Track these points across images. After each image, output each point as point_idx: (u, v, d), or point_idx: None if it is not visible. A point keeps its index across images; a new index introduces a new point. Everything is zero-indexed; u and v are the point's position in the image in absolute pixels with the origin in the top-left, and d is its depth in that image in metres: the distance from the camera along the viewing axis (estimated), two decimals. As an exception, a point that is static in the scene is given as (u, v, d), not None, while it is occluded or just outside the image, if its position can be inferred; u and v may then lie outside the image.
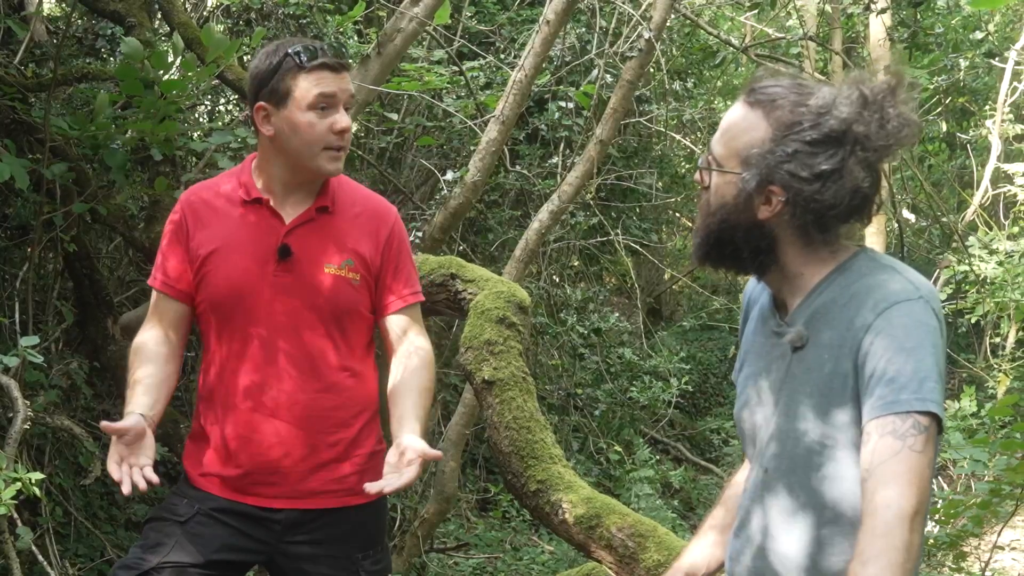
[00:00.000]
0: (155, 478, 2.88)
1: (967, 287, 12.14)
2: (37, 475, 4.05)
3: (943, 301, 12.94)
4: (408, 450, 2.84)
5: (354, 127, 7.66)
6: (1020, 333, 12.73)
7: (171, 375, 3.14)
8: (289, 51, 3.01)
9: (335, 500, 3.11)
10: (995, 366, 12.35)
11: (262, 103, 3.04)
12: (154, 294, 3.22)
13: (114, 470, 2.84)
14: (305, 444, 3.06)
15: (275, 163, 3.10)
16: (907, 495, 1.98)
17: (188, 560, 2.99)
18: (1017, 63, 13.40)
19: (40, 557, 4.54)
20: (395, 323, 3.17)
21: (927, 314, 2.09)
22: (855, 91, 2.14)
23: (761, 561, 2.26)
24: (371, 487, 2.77)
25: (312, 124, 3.01)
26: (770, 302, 2.33)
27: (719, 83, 14.34)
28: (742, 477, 2.57)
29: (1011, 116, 14.07)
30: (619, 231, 10.08)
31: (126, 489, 2.82)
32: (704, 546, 2.57)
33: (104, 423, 2.86)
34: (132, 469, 2.85)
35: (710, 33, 10.00)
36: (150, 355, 3.12)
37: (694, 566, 2.55)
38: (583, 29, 9.50)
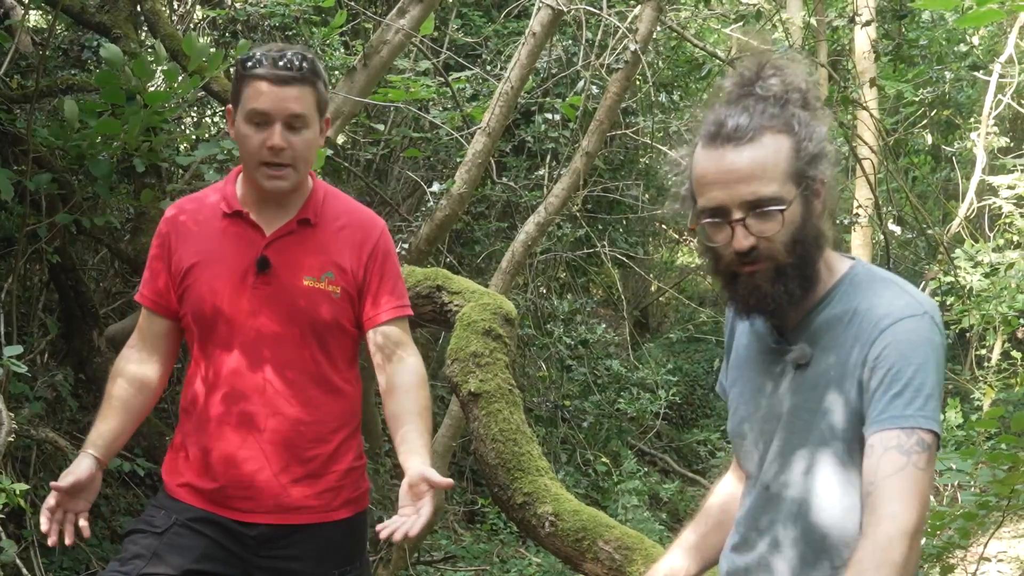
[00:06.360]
0: (87, 532, 2.97)
1: (953, 299, 12.16)
2: (21, 486, 4.03)
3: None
4: (420, 483, 2.82)
5: (340, 139, 7.69)
6: (1006, 345, 12.75)
7: (147, 399, 3.18)
8: (244, 56, 2.97)
9: (310, 516, 3.08)
10: (980, 378, 12.37)
11: (229, 106, 3.04)
12: (142, 309, 3.22)
13: (44, 519, 2.91)
14: (281, 459, 3.04)
15: (246, 173, 3.09)
16: (910, 511, 2.00)
17: (165, 571, 2.97)
18: (1001, 76, 13.45)
19: (25, 570, 4.50)
20: (380, 337, 3.11)
21: (932, 330, 2.11)
22: (758, 66, 2.21)
23: None
24: (386, 531, 2.74)
25: (248, 136, 2.95)
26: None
27: (705, 96, 14.35)
28: (725, 490, 2.56)
29: (996, 129, 14.11)
30: (605, 243, 10.08)
31: (52, 540, 2.91)
32: (683, 554, 2.56)
33: (53, 483, 2.92)
34: (67, 516, 2.94)
35: (696, 45, 10.03)
36: (127, 376, 3.15)
37: (673, 569, 2.54)
38: (569, 41, 9.51)
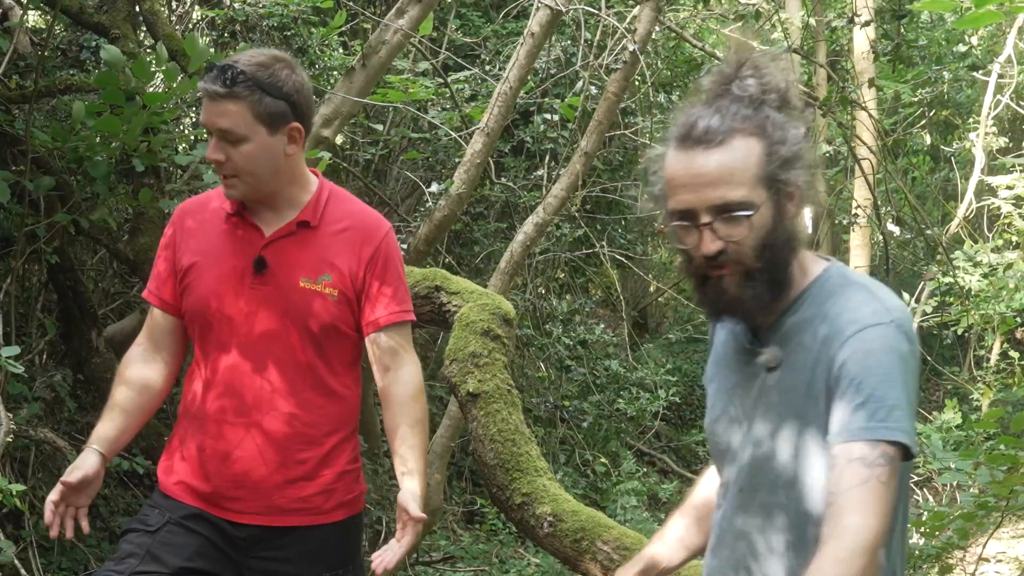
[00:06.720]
0: (86, 528, 3.03)
1: (951, 300, 12.17)
2: (19, 487, 4.02)
3: (928, 314, 13.01)
4: (401, 513, 2.91)
5: (339, 139, 7.70)
6: (1004, 345, 12.76)
7: (151, 398, 3.20)
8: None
9: (300, 519, 3.08)
10: (979, 378, 12.38)
11: None
12: (150, 306, 3.24)
13: (48, 511, 2.97)
14: (274, 460, 3.04)
15: None
16: (873, 525, 1.97)
17: (159, 570, 2.99)
18: (1000, 76, 13.45)
19: (23, 571, 4.50)
20: (378, 342, 3.11)
21: (898, 339, 2.07)
22: (739, 65, 2.18)
23: None
24: (376, 563, 2.85)
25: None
26: None
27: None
28: (711, 482, 2.55)
29: (994, 129, 14.11)
30: (604, 243, 10.08)
31: (54, 533, 2.98)
32: (665, 545, 2.56)
33: (62, 479, 2.98)
34: (68, 510, 3.00)
35: (695, 46, 10.03)
36: (131, 377, 3.17)
37: (655, 559, 2.53)
38: (568, 41, 9.52)
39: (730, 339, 2.33)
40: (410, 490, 2.95)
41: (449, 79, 7.74)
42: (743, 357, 2.27)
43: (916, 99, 14.62)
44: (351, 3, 7.53)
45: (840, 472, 2.01)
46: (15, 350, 4.13)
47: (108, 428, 3.11)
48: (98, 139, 5.26)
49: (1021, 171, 12.57)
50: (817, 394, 2.10)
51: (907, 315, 2.13)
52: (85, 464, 3.02)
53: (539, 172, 8.93)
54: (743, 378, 2.26)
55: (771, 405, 2.18)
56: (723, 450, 2.31)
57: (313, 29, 7.60)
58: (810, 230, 17.18)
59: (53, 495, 2.96)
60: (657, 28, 8.83)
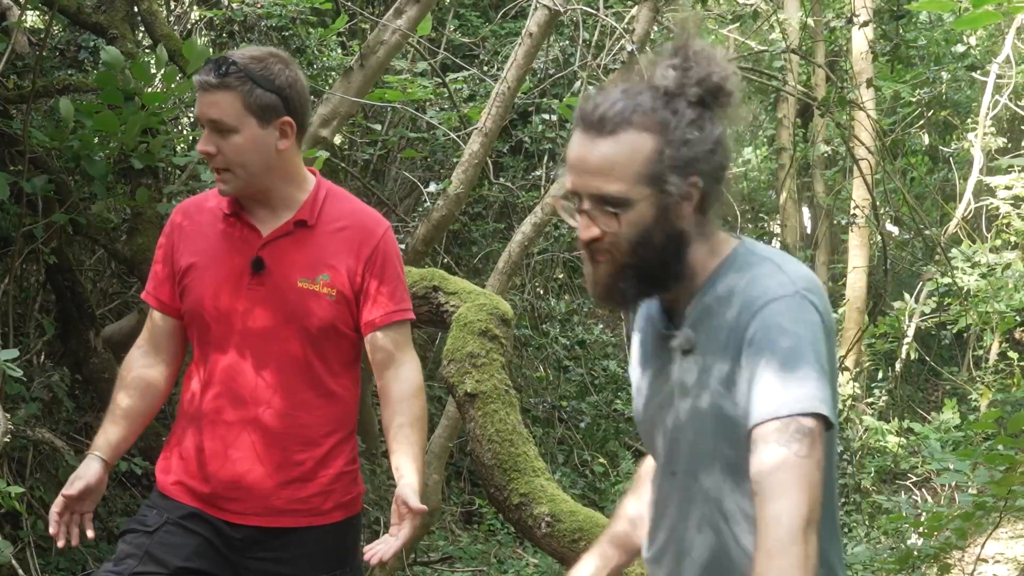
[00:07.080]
0: (91, 534, 3.06)
1: (950, 300, 12.18)
2: (17, 488, 4.02)
3: (927, 314, 13.02)
4: (401, 505, 2.89)
5: (337, 139, 7.69)
6: (1003, 346, 12.77)
7: (153, 401, 3.22)
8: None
9: (298, 520, 3.08)
10: (978, 379, 12.39)
11: None
12: (150, 308, 3.25)
13: (53, 523, 3.00)
14: (272, 460, 3.04)
15: None
16: (798, 505, 1.91)
17: (157, 570, 3.00)
18: (999, 76, 13.47)
19: (21, 571, 4.50)
20: (377, 341, 3.11)
21: (804, 308, 2.04)
22: (666, 57, 2.13)
23: (677, 566, 2.22)
24: (368, 554, 2.81)
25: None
26: (658, 302, 2.26)
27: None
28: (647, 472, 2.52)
29: (993, 129, 14.12)
30: (603, 243, 10.06)
31: (61, 543, 3.02)
32: (613, 541, 2.52)
33: (64, 492, 3.01)
34: (73, 517, 3.04)
35: (693, 46, 10.01)
36: (132, 381, 3.18)
37: (603, 558, 2.50)
38: (566, 41, 9.52)
39: (648, 326, 2.30)
40: (408, 484, 2.93)
41: (447, 79, 7.74)
42: (660, 343, 2.23)
43: (914, 99, 14.62)
44: (349, 3, 7.53)
45: (759, 456, 1.96)
46: (13, 353, 4.13)
47: (111, 433, 3.12)
48: (96, 139, 5.26)
49: (1019, 171, 12.58)
50: (732, 373, 2.06)
51: (814, 284, 2.10)
52: (87, 473, 3.04)
53: (537, 172, 8.92)
54: (662, 363, 2.23)
55: (689, 389, 2.14)
56: (652, 436, 2.28)
57: (311, 30, 7.60)
58: (809, 230, 17.19)
59: (56, 506, 2.98)
60: (655, 28, 8.83)
